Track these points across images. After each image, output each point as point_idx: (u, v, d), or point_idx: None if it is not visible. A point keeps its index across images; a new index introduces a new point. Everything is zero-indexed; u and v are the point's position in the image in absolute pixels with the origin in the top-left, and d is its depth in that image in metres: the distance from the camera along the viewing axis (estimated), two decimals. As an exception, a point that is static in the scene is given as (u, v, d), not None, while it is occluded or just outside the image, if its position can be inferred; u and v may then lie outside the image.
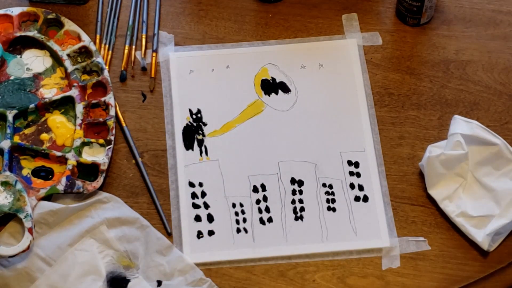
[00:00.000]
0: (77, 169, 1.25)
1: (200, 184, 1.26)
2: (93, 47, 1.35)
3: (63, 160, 1.26)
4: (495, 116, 1.31)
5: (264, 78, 1.34)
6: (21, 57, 1.36)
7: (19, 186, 1.21)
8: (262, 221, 1.23)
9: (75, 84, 1.32)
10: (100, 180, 1.24)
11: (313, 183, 1.25)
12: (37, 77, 1.34)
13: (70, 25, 1.37)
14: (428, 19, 1.39)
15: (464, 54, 1.37)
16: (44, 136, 1.29)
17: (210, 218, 1.23)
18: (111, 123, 1.29)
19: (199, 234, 1.22)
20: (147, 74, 1.36)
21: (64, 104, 1.31)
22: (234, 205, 1.24)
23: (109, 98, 1.31)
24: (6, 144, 1.26)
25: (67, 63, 1.34)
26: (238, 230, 1.22)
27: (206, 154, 1.28)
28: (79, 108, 1.30)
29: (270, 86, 1.34)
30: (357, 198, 1.24)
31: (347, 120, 1.31)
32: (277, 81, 1.34)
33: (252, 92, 1.33)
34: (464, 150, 1.22)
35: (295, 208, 1.24)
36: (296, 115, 1.31)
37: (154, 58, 1.36)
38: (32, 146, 1.27)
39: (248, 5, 1.42)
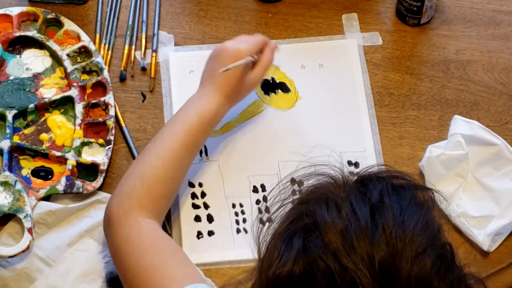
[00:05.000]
0: (76, 169, 1.25)
1: (200, 185, 1.25)
2: (92, 47, 1.35)
3: (62, 160, 1.26)
4: (495, 116, 1.31)
5: (264, 78, 1.34)
6: (20, 57, 1.36)
7: (18, 186, 1.21)
8: (262, 222, 1.23)
9: (75, 84, 1.32)
10: (99, 180, 1.24)
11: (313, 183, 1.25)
12: (36, 77, 1.34)
13: (69, 25, 1.37)
14: (428, 19, 1.39)
15: (464, 54, 1.37)
16: (44, 136, 1.29)
17: (210, 219, 1.23)
18: (110, 123, 1.29)
19: (199, 235, 1.22)
20: (147, 74, 1.35)
21: (64, 104, 1.31)
22: (234, 205, 1.24)
23: (109, 98, 1.31)
24: (5, 144, 1.26)
25: (67, 63, 1.33)
26: (238, 231, 1.22)
27: (206, 154, 1.28)
28: (79, 108, 1.30)
29: (270, 86, 1.34)
30: (357, 198, 1.24)
31: (347, 120, 1.31)
32: (277, 81, 1.34)
33: (252, 92, 1.33)
34: (464, 150, 1.22)
35: (295, 208, 1.23)
36: (296, 115, 1.31)
37: (153, 58, 1.36)
38: (32, 146, 1.27)
39: (248, 5, 1.42)
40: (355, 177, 0.89)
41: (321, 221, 0.83)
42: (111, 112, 1.30)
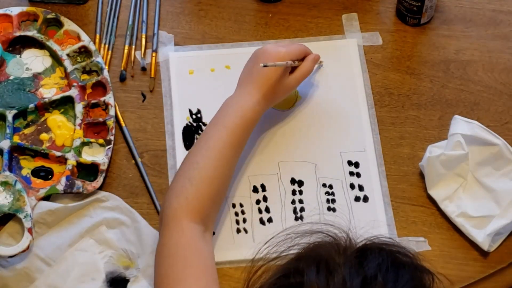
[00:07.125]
0: (76, 169, 1.25)
1: (200, 184, 1.25)
2: (92, 47, 1.35)
3: (62, 160, 1.26)
4: (496, 116, 1.31)
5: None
6: (20, 56, 1.36)
7: (18, 186, 1.21)
8: (262, 221, 1.23)
9: (75, 84, 1.32)
10: (99, 180, 1.24)
11: (313, 183, 1.25)
12: (36, 76, 1.34)
13: (69, 25, 1.37)
14: (428, 19, 1.39)
15: (465, 54, 1.37)
16: (44, 136, 1.29)
17: (210, 218, 1.23)
18: (110, 123, 1.29)
19: (199, 234, 1.22)
20: (147, 74, 1.35)
21: (64, 104, 1.31)
22: (234, 205, 1.24)
23: (109, 98, 1.31)
24: (5, 144, 1.26)
25: (67, 63, 1.33)
26: (238, 230, 1.22)
27: (206, 154, 1.28)
28: (79, 108, 1.30)
29: (270, 86, 1.33)
30: (357, 198, 1.24)
31: (347, 120, 1.30)
32: (277, 81, 1.34)
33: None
34: (464, 150, 1.22)
35: (295, 209, 1.23)
36: (296, 115, 1.31)
37: (154, 58, 1.36)
38: (32, 146, 1.27)
39: (248, 5, 1.42)
40: (360, 243, 0.87)
41: (307, 283, 0.82)
42: (111, 112, 1.30)
